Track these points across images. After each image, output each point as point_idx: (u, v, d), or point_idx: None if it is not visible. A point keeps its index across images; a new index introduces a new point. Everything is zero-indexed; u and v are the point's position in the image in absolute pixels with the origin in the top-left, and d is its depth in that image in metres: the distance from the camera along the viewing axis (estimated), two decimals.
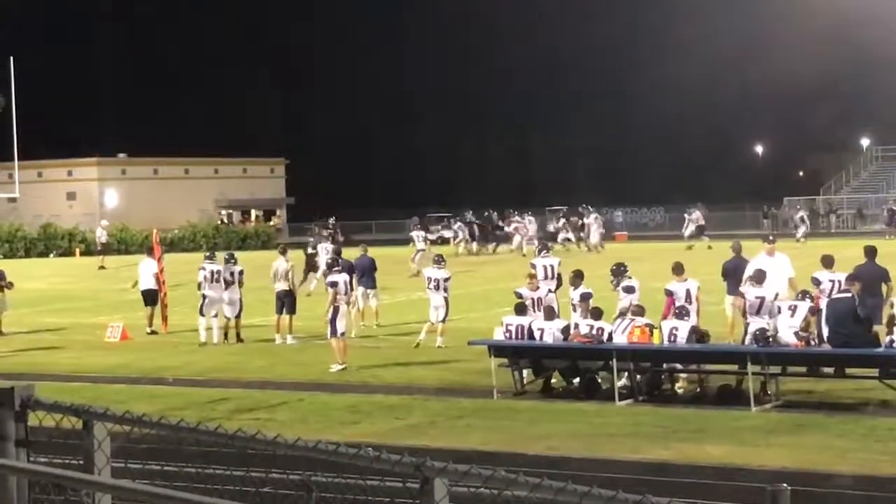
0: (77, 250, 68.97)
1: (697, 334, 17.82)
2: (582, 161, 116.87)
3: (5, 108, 61.50)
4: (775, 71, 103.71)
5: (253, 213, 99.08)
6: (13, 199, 72.54)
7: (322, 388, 19.57)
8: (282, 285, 25.84)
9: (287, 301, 25.68)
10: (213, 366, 22.76)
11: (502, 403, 17.71)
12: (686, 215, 62.70)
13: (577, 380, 18.41)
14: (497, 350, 18.52)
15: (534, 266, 23.01)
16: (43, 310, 34.40)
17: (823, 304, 17.92)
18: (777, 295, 18.65)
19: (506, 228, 60.81)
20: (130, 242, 70.67)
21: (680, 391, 17.92)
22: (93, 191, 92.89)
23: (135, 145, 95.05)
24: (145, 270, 29.00)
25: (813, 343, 17.05)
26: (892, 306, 17.21)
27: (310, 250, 38.70)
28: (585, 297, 19.41)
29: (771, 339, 16.88)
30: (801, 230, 60.49)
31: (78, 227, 74.04)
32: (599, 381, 18.20)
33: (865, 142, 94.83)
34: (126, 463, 5.13)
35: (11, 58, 60.59)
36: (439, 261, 25.15)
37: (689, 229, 60.98)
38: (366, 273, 27.45)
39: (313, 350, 23.63)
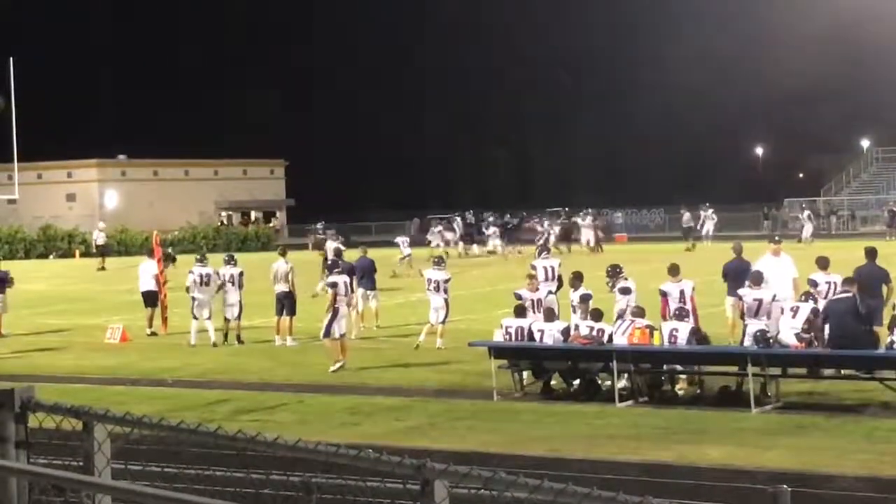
0: (77, 252, 68.99)
1: (698, 336, 17.83)
2: (582, 162, 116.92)
3: (5, 110, 61.45)
4: (776, 72, 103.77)
5: (253, 214, 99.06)
6: (13, 201, 72.55)
7: (322, 390, 19.56)
8: (281, 287, 25.83)
9: (287, 303, 25.68)
10: (214, 367, 22.76)
11: (502, 405, 17.70)
12: (702, 212, 62.92)
13: (577, 381, 18.41)
14: (497, 352, 18.52)
15: (534, 267, 23.03)
16: (43, 311, 34.40)
17: (821, 305, 17.94)
18: (775, 296, 18.66)
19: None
20: (130, 244, 70.71)
21: (680, 393, 17.91)
22: (93, 192, 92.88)
23: (134, 147, 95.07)
24: (145, 272, 29.00)
25: (814, 344, 17.06)
26: (893, 308, 17.19)
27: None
28: (585, 299, 19.41)
29: (771, 340, 16.88)
30: (809, 230, 60.23)
31: (78, 228, 74.08)
32: (599, 382, 18.21)
33: (866, 143, 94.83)
34: (126, 464, 5.13)
35: (11, 59, 60.62)
36: (439, 262, 25.15)
37: (705, 228, 61.15)
38: (366, 274, 27.45)
39: (313, 351, 23.62)
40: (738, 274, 20.68)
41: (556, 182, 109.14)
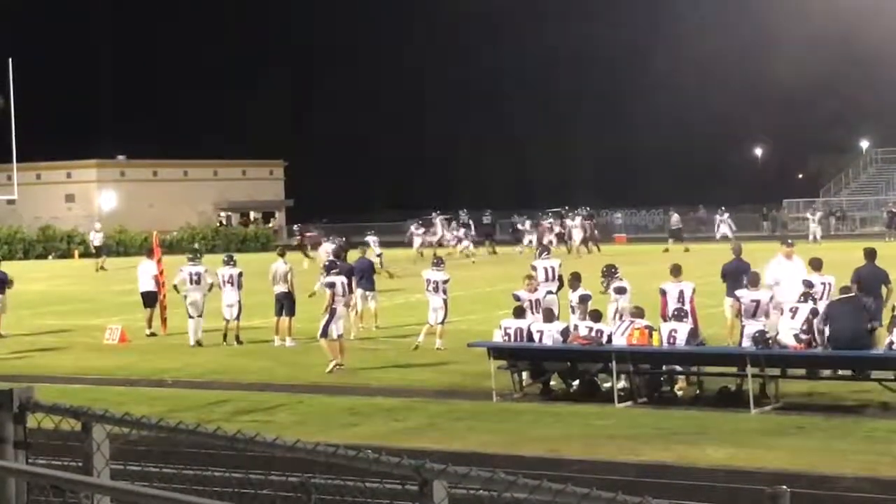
0: (76, 252, 69.00)
1: (696, 338, 17.83)
2: (581, 163, 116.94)
3: (4, 110, 61.46)
4: (775, 73, 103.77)
5: (252, 215, 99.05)
6: (12, 201, 72.53)
7: (321, 391, 19.56)
8: (281, 287, 25.83)
9: (286, 303, 25.68)
10: (213, 368, 22.76)
11: (501, 406, 17.70)
12: (717, 216, 63.09)
13: (576, 382, 18.42)
14: (496, 352, 18.51)
15: (534, 268, 23.04)
16: (42, 312, 34.39)
17: (818, 306, 17.95)
18: (772, 297, 18.68)
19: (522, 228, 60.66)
20: (129, 244, 70.73)
21: (679, 393, 17.91)
22: (92, 193, 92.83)
23: (134, 147, 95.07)
24: (144, 272, 29.00)
25: (814, 345, 17.06)
26: (892, 308, 17.18)
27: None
28: (584, 299, 19.41)
29: (770, 341, 16.88)
30: (818, 232, 59.94)
31: (77, 229, 74.07)
32: (599, 383, 18.21)
33: (865, 144, 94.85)
34: (125, 465, 5.13)
35: (10, 59, 60.62)
36: (438, 263, 25.15)
37: (720, 230, 61.26)
38: (365, 275, 27.45)
39: (312, 352, 23.61)
40: (737, 275, 20.68)
41: (556, 183, 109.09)
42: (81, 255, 66.90)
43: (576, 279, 20.33)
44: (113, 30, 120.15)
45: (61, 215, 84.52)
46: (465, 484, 3.65)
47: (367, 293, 27.56)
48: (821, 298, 18.44)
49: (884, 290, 19.54)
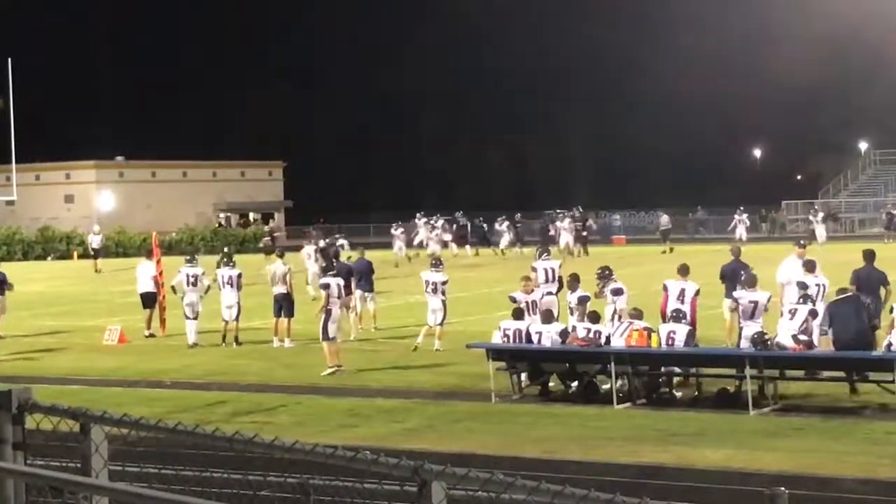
0: (75, 253, 68.99)
1: (694, 339, 17.83)
2: (580, 164, 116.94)
3: (3, 111, 61.45)
4: (774, 74, 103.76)
5: (251, 216, 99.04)
6: (11, 202, 72.54)
7: (320, 392, 19.56)
8: (279, 288, 25.84)
9: (285, 304, 25.68)
10: (211, 369, 22.76)
11: (500, 407, 17.71)
12: (735, 216, 63.21)
13: (575, 383, 18.42)
14: (495, 353, 18.52)
15: (535, 269, 23.05)
16: (41, 313, 34.38)
17: (818, 307, 17.99)
18: (770, 298, 18.70)
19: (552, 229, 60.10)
20: (128, 245, 70.73)
21: (678, 395, 17.92)
22: (90, 194, 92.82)
23: (132, 148, 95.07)
24: (143, 273, 29.00)
25: (813, 346, 17.09)
26: (891, 310, 17.19)
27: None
28: (583, 301, 19.43)
29: (769, 343, 16.89)
30: (822, 234, 59.69)
31: (76, 229, 74.05)
32: (597, 384, 18.21)
33: (864, 145, 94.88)
34: (123, 466, 5.13)
35: (9, 59, 60.61)
36: (437, 264, 25.16)
37: (739, 230, 61.33)
38: (363, 276, 27.45)
39: (311, 353, 23.61)
40: (735, 276, 20.69)
41: (555, 184, 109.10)
42: (80, 256, 66.88)
43: (575, 280, 20.35)
44: (112, 30, 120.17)
45: (60, 216, 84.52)
46: (464, 485, 3.65)
47: (366, 294, 27.57)
48: (816, 300, 18.45)
49: (882, 291, 19.55)
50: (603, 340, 17.86)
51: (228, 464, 5.42)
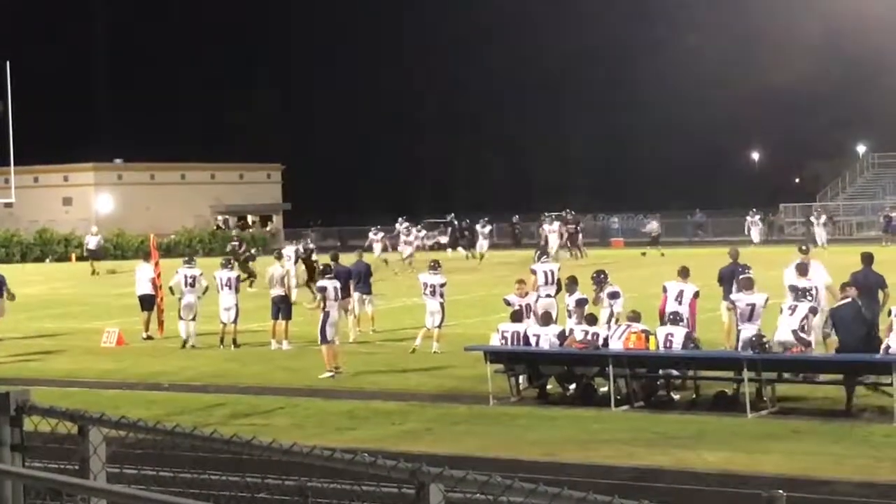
0: (73, 255, 68.97)
1: (692, 341, 17.83)
2: (579, 167, 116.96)
3: (2, 113, 61.44)
4: (772, 77, 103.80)
5: (249, 218, 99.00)
6: (9, 205, 72.50)
7: (318, 394, 19.56)
8: (277, 290, 25.84)
9: (283, 306, 25.68)
10: (209, 371, 22.75)
11: (498, 409, 17.71)
12: (748, 217, 63.23)
13: (573, 386, 18.42)
14: (493, 356, 18.52)
15: (534, 271, 23.06)
16: (39, 315, 34.37)
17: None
18: (767, 300, 18.70)
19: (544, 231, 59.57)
20: (126, 248, 70.71)
21: (676, 397, 17.92)
22: (89, 196, 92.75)
23: (131, 150, 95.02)
24: (142, 275, 28.99)
25: (812, 346, 17.14)
26: (889, 313, 17.20)
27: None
28: (581, 303, 19.44)
29: (767, 345, 16.89)
30: (823, 236, 59.52)
31: (74, 232, 74.01)
32: (595, 386, 18.21)
33: (862, 148, 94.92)
34: (121, 468, 5.13)
35: (8, 62, 60.61)
36: (435, 266, 25.16)
37: (753, 232, 61.32)
38: (361, 278, 27.45)
39: (309, 356, 23.61)
40: (733, 279, 20.70)
41: (554, 186, 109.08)
42: (79, 259, 66.86)
43: (573, 283, 20.35)
44: (110, 32, 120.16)
45: (58, 218, 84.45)
46: (462, 487, 3.66)
47: (365, 297, 27.56)
48: (810, 300, 18.45)
49: (880, 294, 19.55)
50: (601, 342, 17.87)
51: (226, 466, 5.42)
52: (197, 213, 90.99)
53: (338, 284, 22.67)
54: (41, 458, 5.09)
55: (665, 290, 19.97)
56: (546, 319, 19.11)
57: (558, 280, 22.65)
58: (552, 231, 55.54)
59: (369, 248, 53.25)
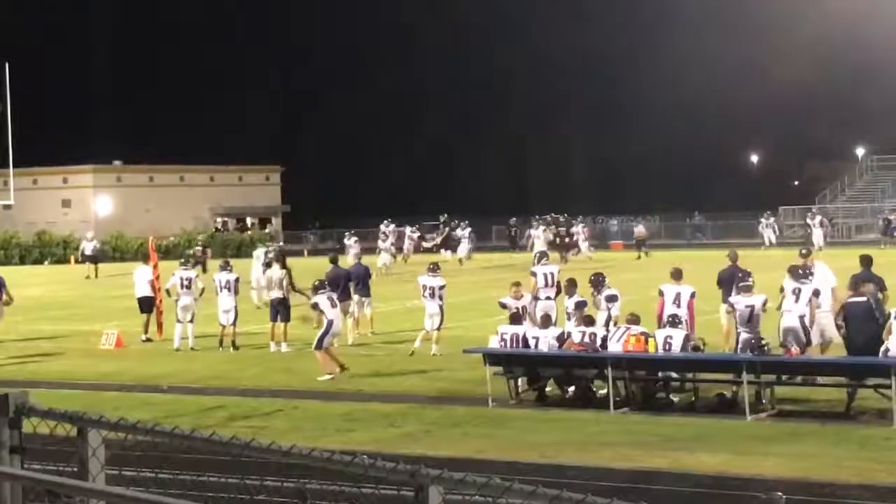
0: (72, 258, 68.99)
1: (690, 342, 17.84)
2: (578, 169, 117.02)
3: (1, 115, 61.46)
4: (772, 80, 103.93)
5: (248, 220, 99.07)
6: (8, 207, 72.53)
7: (317, 396, 19.56)
8: (276, 293, 25.85)
9: (281, 309, 25.68)
10: (208, 373, 22.74)
11: (497, 412, 17.71)
12: (763, 219, 63.19)
13: (571, 388, 18.42)
14: (492, 358, 18.52)
15: (534, 273, 23.07)
16: (38, 317, 34.36)
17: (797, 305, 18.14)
18: (766, 302, 18.71)
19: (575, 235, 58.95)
20: (126, 250, 70.73)
21: (675, 400, 17.92)
22: (88, 198, 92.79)
23: (130, 153, 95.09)
24: (141, 278, 28.99)
25: (812, 344, 17.23)
26: (889, 315, 17.20)
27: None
28: (580, 305, 19.45)
29: (766, 348, 16.90)
30: (820, 238, 59.39)
31: (73, 234, 74.05)
32: (594, 389, 18.21)
33: (861, 151, 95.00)
34: (120, 470, 5.12)
35: (7, 64, 60.65)
36: (434, 269, 25.15)
37: (767, 234, 61.26)
38: (360, 281, 27.45)
39: (308, 358, 23.59)
40: (732, 281, 20.70)
41: (553, 188, 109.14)
42: (77, 261, 66.88)
43: (572, 285, 20.36)
44: (110, 34, 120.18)
45: (57, 220, 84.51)
46: (461, 489, 3.66)
47: (363, 299, 27.55)
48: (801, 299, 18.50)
49: (880, 296, 19.55)
50: (599, 343, 17.86)
51: (225, 468, 5.42)
52: (196, 215, 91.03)
53: (332, 294, 22.44)
54: (40, 459, 5.09)
55: (661, 293, 19.98)
56: (545, 322, 19.12)
57: (558, 282, 22.65)
58: (538, 236, 54.05)
59: (343, 251, 49.72)
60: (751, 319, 18.19)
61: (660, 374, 17.99)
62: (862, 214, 79.39)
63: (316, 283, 22.88)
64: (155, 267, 29.19)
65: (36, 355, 26.21)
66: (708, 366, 18.07)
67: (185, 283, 26.63)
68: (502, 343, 18.65)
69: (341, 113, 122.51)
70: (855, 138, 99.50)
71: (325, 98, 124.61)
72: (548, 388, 18.66)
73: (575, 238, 58.53)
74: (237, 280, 26.47)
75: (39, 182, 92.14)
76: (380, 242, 51.55)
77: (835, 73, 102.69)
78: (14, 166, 64.35)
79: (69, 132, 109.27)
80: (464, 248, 55.99)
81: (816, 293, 17.67)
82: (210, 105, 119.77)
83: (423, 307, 24.61)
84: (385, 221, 60.78)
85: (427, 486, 3.74)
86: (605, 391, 17.69)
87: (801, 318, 17.51)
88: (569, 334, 18.39)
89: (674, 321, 18.10)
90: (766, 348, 16.85)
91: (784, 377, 17.27)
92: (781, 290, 19.36)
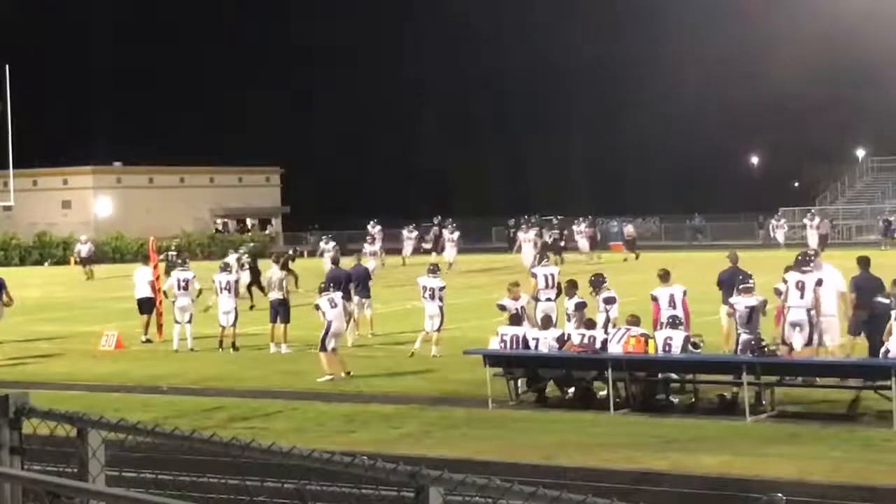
0: (72, 259, 68.96)
1: (689, 343, 17.84)
2: (578, 170, 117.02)
3: (1, 116, 61.45)
4: (771, 81, 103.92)
5: (248, 221, 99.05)
6: (8, 208, 72.56)
7: (317, 397, 19.56)
8: (276, 294, 25.86)
9: (281, 310, 25.68)
10: (208, 374, 22.75)
11: (497, 413, 17.71)
12: (774, 221, 63.12)
13: (571, 389, 18.41)
14: (492, 360, 18.52)
15: (534, 275, 23.06)
16: (38, 318, 34.35)
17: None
18: (766, 303, 18.70)
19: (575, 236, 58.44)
20: (126, 251, 70.71)
21: (675, 401, 17.92)
22: (88, 199, 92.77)
23: (130, 154, 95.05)
24: (141, 279, 29.00)
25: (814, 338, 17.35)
26: (888, 317, 17.20)
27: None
28: (580, 307, 19.44)
29: (765, 349, 16.90)
30: (814, 239, 59.35)
31: (73, 235, 74.04)
32: (594, 390, 18.20)
33: (861, 153, 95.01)
34: (120, 471, 5.12)
35: (7, 65, 60.64)
36: (434, 270, 25.16)
37: (778, 235, 61.24)
38: (360, 282, 27.46)
39: (308, 359, 23.61)
40: (732, 282, 20.67)
41: (553, 190, 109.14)
42: (76, 262, 66.88)
43: (572, 287, 20.36)
44: (109, 36, 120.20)
45: (57, 222, 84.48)
46: (461, 490, 3.65)
47: (363, 300, 27.56)
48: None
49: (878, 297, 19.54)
50: (598, 345, 17.86)
51: (225, 469, 5.42)
52: (196, 216, 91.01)
53: (333, 296, 22.37)
54: (40, 460, 5.09)
55: (655, 298, 19.91)
56: (546, 323, 19.12)
57: (558, 284, 22.65)
58: (527, 240, 51.64)
59: (321, 255, 49.37)
60: (750, 320, 18.18)
61: (660, 375, 17.99)
62: (862, 216, 79.40)
63: (321, 284, 22.97)
64: (155, 268, 29.21)
65: (36, 356, 26.22)
66: (708, 367, 18.08)
67: (183, 284, 26.65)
68: (502, 344, 18.64)
69: (341, 113, 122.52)
70: (855, 140, 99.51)
71: (325, 98, 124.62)
72: (548, 390, 18.66)
73: (575, 238, 58.49)
74: (237, 281, 26.50)
75: (39, 183, 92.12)
76: (366, 246, 49.74)
77: (835, 74, 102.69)
78: (14, 167, 64.35)
79: (69, 133, 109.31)
80: (451, 250, 54.22)
81: (819, 282, 17.68)
82: (210, 105, 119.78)
83: (422, 308, 24.61)
84: (371, 223, 59.77)
85: (427, 488, 3.73)
86: (605, 392, 17.69)
87: (808, 311, 17.51)
88: (569, 336, 18.38)
89: (674, 322, 18.11)
90: (766, 349, 16.85)
91: (784, 378, 17.27)
92: (776, 291, 19.27)
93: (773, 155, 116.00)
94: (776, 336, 18.37)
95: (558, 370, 18.48)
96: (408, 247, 60.43)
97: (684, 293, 19.91)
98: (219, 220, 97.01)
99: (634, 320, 18.43)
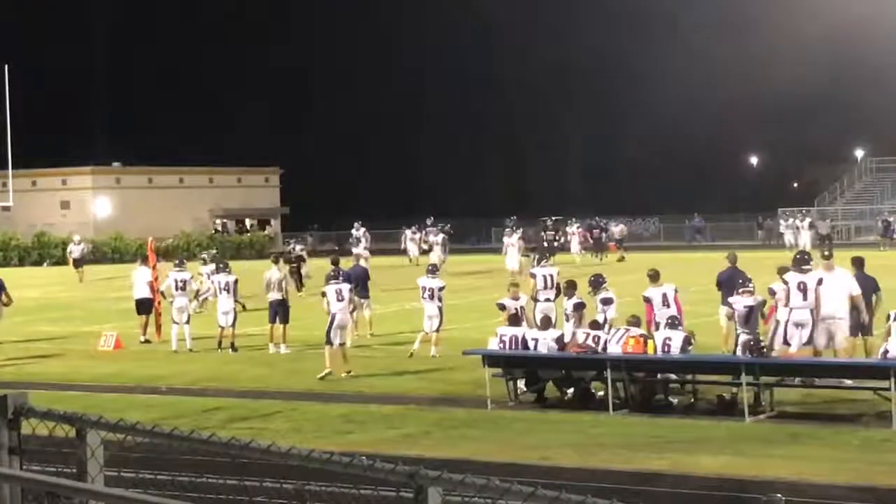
0: (71, 259, 68.98)
1: (688, 343, 17.84)
2: (577, 171, 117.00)
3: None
4: (771, 82, 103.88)
5: (248, 222, 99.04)
6: (7, 208, 72.54)
7: (316, 398, 19.56)
8: (275, 295, 25.84)
9: (280, 310, 25.67)
10: (207, 375, 22.74)
11: (496, 413, 17.70)
12: (782, 221, 63.09)
13: (571, 390, 18.41)
14: (491, 360, 18.51)
15: (533, 275, 23.06)
16: (36, 318, 34.35)
17: (781, 313, 18.08)
18: (765, 304, 18.69)
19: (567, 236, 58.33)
20: (125, 251, 70.70)
21: (674, 401, 17.91)
22: (87, 200, 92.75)
23: (129, 154, 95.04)
24: (140, 279, 28.99)
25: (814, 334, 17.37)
26: (888, 318, 17.19)
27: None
28: (579, 307, 19.43)
29: (764, 350, 16.90)
30: (807, 240, 59.38)
31: (71, 235, 74.07)
32: (593, 391, 18.20)
33: (860, 153, 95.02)
34: (119, 471, 5.12)
35: (6, 66, 60.64)
36: (433, 270, 25.16)
37: (787, 236, 61.23)
38: (360, 283, 27.45)
39: (307, 359, 23.61)
40: (731, 283, 20.66)
41: (551, 191, 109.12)
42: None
43: (571, 287, 20.35)
44: (109, 36, 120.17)
45: (56, 222, 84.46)
46: (460, 491, 3.65)
47: (362, 301, 27.55)
48: (785, 305, 18.42)
49: (874, 298, 19.55)
50: (601, 346, 17.85)
51: (224, 470, 5.42)
52: (195, 217, 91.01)
53: (340, 288, 22.47)
54: (39, 461, 5.09)
55: (647, 299, 19.86)
56: (545, 323, 19.11)
57: (557, 284, 22.65)
58: (511, 244, 49.21)
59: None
60: (749, 321, 18.18)
61: (659, 375, 17.99)
62: (861, 216, 79.41)
63: (330, 272, 23.09)
64: (154, 268, 29.19)
65: (35, 357, 26.21)
66: (707, 367, 18.08)
67: (180, 284, 26.67)
68: (501, 345, 18.64)
69: (341, 113, 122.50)
70: (854, 140, 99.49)
71: (325, 99, 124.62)
72: (547, 390, 18.65)
73: (569, 238, 58.51)
74: (236, 282, 26.48)
75: (38, 184, 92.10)
76: (353, 249, 47.39)
77: (835, 75, 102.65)
78: (13, 167, 64.35)
79: (68, 133, 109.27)
80: (438, 253, 52.12)
81: (820, 282, 17.67)
82: (210, 106, 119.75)
83: (422, 308, 24.61)
84: (356, 224, 58.21)
85: (426, 488, 3.74)
86: (603, 393, 17.69)
87: (811, 311, 17.50)
88: (573, 335, 18.35)
89: (673, 323, 18.09)
90: (764, 350, 16.85)
91: (784, 379, 17.27)
92: (770, 291, 19.15)
93: (772, 155, 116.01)
94: (765, 334, 18.31)
95: (557, 371, 18.48)
96: (412, 248, 60.27)
97: (675, 290, 19.93)
98: (218, 221, 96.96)
99: (635, 321, 18.43)
